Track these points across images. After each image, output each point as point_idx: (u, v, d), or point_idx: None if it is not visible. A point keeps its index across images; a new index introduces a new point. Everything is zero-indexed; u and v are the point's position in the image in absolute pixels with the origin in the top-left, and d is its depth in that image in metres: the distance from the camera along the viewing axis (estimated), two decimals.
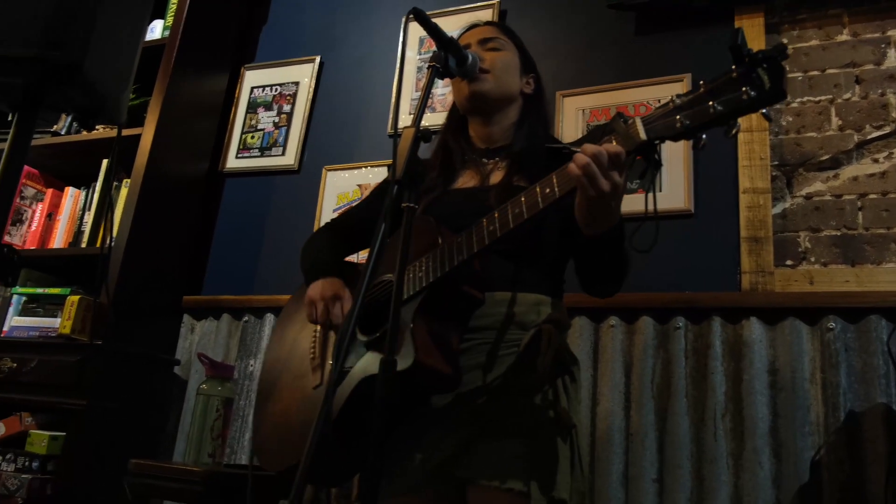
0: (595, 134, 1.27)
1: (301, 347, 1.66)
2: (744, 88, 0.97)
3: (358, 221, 1.77)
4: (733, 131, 1.01)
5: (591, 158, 1.10)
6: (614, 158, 1.09)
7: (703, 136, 1.04)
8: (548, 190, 1.19)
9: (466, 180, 1.56)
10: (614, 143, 1.11)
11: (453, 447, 1.32)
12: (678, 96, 1.05)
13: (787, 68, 2.18)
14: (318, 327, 1.62)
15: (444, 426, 1.35)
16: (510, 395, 1.34)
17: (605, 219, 1.19)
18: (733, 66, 1.00)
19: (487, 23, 1.70)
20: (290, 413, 1.57)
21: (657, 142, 1.07)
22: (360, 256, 2.28)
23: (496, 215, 1.26)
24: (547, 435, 1.31)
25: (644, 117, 1.08)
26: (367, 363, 1.37)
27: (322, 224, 1.86)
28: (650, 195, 1.14)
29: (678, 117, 1.04)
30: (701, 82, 1.03)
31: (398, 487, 1.36)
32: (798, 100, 2.14)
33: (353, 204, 1.85)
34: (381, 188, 1.78)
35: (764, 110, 0.98)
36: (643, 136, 1.08)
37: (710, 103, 1.00)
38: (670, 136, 1.06)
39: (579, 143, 1.40)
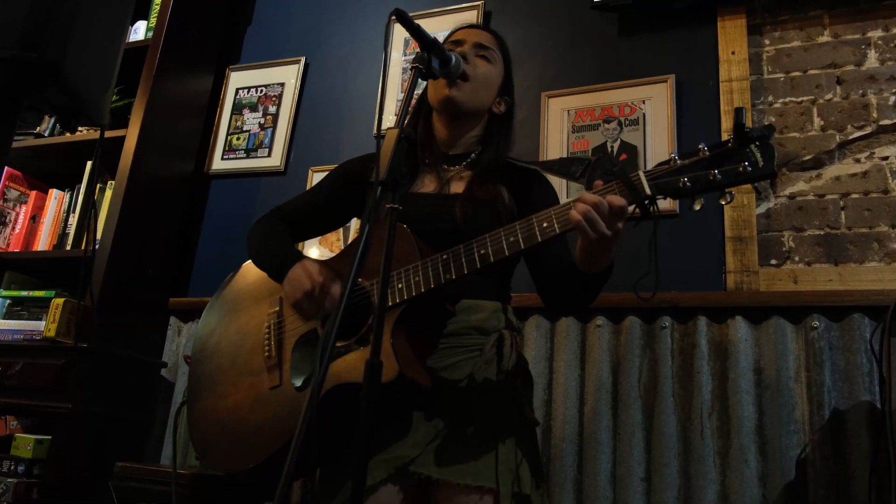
0: (572, 166, 1.29)
1: (248, 341, 1.61)
2: (743, 163, 1.08)
3: (312, 206, 1.72)
4: (728, 200, 1.11)
5: (592, 207, 1.15)
6: (617, 211, 1.16)
7: (701, 198, 1.13)
8: (545, 224, 1.23)
9: (427, 184, 1.57)
10: (618, 195, 1.17)
11: (420, 446, 1.35)
12: (678, 157, 1.14)
13: (770, 69, 2.20)
14: (269, 322, 1.59)
15: (411, 426, 1.37)
16: (476, 397, 1.39)
17: (603, 260, 1.25)
18: (730, 139, 1.10)
19: (488, 29, 1.70)
20: (241, 412, 1.53)
21: (658, 197, 1.15)
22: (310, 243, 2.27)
23: (488, 240, 1.29)
24: (511, 433, 1.37)
25: (648, 172, 1.16)
26: (339, 368, 1.36)
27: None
28: (653, 235, 1.21)
29: (683, 178, 1.13)
30: (700, 146, 1.12)
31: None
32: (780, 100, 2.16)
33: (309, 189, 1.79)
34: (337, 173, 1.73)
35: (756, 185, 1.13)
36: (648, 191, 1.15)
37: (712, 171, 1.10)
38: (672, 194, 1.15)
39: (551, 166, 1.41)
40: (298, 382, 1.46)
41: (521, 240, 1.26)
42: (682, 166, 1.13)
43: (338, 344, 1.40)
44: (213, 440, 1.56)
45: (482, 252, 1.29)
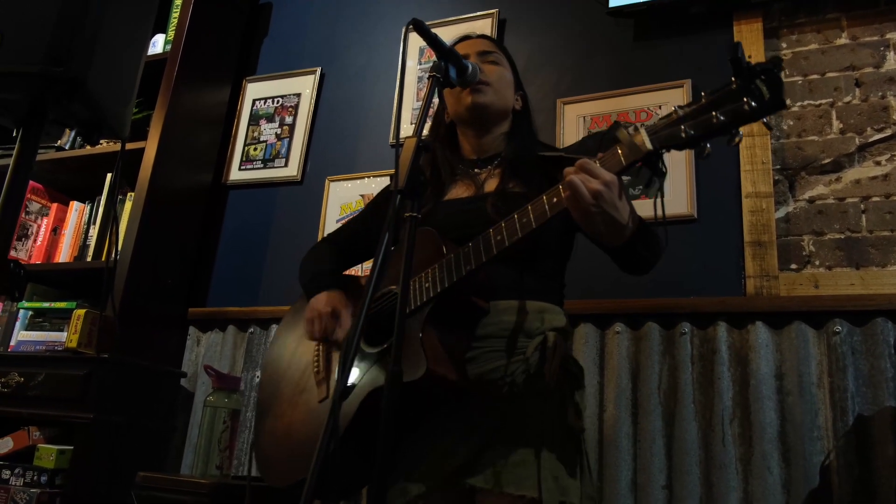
0: (588, 142, 1.28)
1: (303, 360, 1.66)
2: (745, 99, 1.01)
3: (356, 234, 1.78)
4: (736, 140, 1.04)
5: (579, 167, 1.13)
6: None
7: (708, 144, 1.06)
8: (555, 199, 1.21)
9: (459, 191, 1.58)
10: (608, 157, 1.13)
11: (463, 454, 1.33)
12: (680, 107, 1.08)
13: (787, 72, 2.18)
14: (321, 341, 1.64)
15: (454, 433, 1.36)
16: (519, 402, 1.36)
17: (612, 232, 1.19)
18: (733, 78, 1.03)
19: (482, 36, 1.71)
20: (295, 427, 1.56)
21: (662, 151, 1.09)
22: (365, 267, 2.28)
23: (503, 225, 1.27)
24: (556, 441, 1.32)
25: (648, 127, 1.10)
26: (374, 375, 1.38)
27: (323, 236, 1.86)
28: (658, 201, 1.15)
29: (682, 127, 1.06)
30: (702, 93, 1.06)
31: (408, 494, 1.36)
32: (798, 104, 2.15)
33: (353, 216, 1.85)
34: (378, 200, 1.79)
35: (764, 119, 1.01)
36: (649, 145, 1.09)
37: (713, 114, 1.03)
38: (675, 145, 1.08)
39: (571, 149, 1.41)
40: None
41: (532, 219, 1.23)
42: (684, 115, 1.07)
43: (371, 350, 1.42)
44: (273, 457, 1.59)
45: (498, 238, 1.27)
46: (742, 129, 1.04)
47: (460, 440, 1.34)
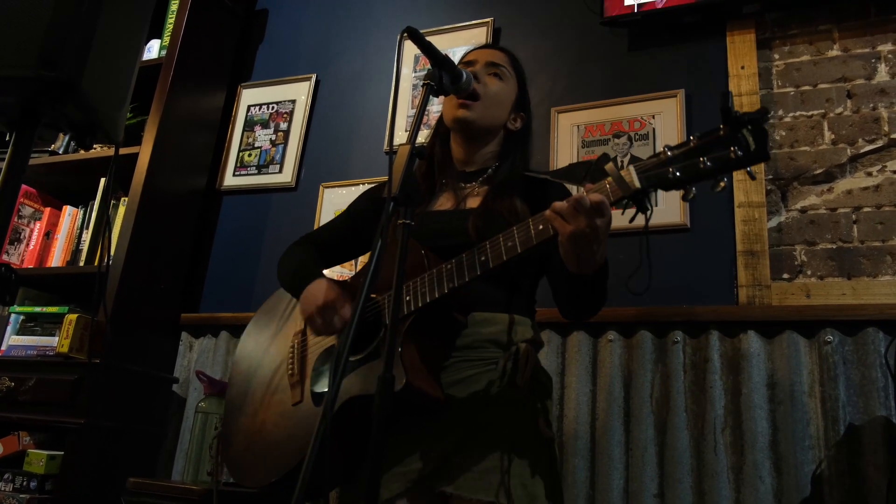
0: (576, 169, 1.29)
1: (275, 361, 1.65)
2: (732, 148, 1.03)
3: (336, 235, 1.76)
4: (720, 186, 1.06)
5: (572, 204, 1.14)
6: (597, 206, 1.13)
7: (693, 188, 1.09)
8: (541, 227, 1.22)
9: (443, 202, 1.59)
10: (598, 193, 1.15)
11: (434, 461, 1.34)
12: (669, 148, 1.10)
13: (779, 83, 2.20)
14: (294, 341, 1.63)
15: (425, 440, 1.37)
16: (490, 411, 1.38)
17: (588, 261, 1.21)
18: (721, 126, 1.05)
19: (500, 48, 1.72)
20: (267, 428, 1.56)
21: (650, 190, 1.12)
22: (338, 271, 2.28)
23: (488, 246, 1.29)
24: (526, 448, 1.36)
25: (637, 166, 1.13)
26: (352, 382, 1.38)
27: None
28: (643, 215, 1.17)
29: (671, 169, 1.09)
30: (691, 137, 1.09)
31: (379, 498, 1.35)
32: (791, 114, 2.16)
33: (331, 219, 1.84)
34: (359, 202, 1.76)
35: (748, 168, 1.04)
36: (637, 184, 1.12)
37: (701, 159, 1.06)
38: (663, 185, 1.11)
39: (558, 173, 1.42)
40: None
41: (518, 244, 1.24)
42: (673, 157, 1.09)
43: (351, 358, 1.42)
44: (242, 456, 1.59)
45: (482, 258, 1.28)
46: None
47: (431, 446, 1.36)
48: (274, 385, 1.61)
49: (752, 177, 1.08)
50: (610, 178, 1.15)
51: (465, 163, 1.63)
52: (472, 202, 1.54)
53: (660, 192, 2.18)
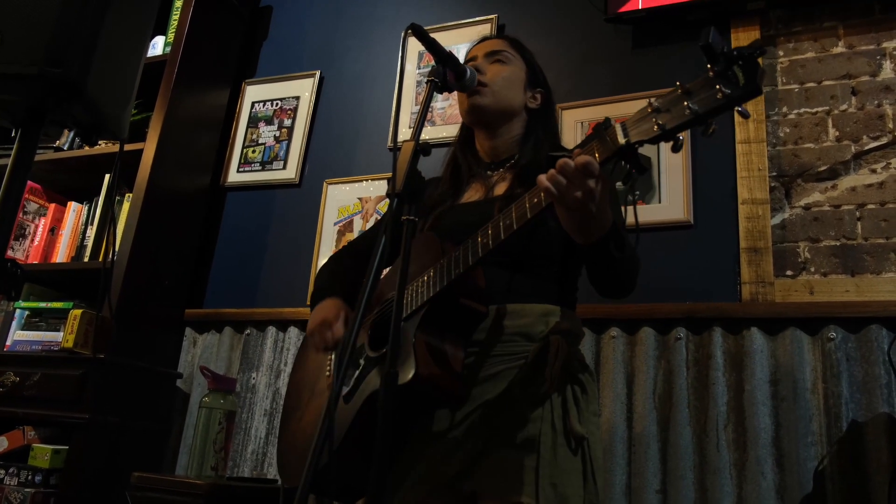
0: (583, 145, 1.28)
1: (320, 366, 1.68)
2: (717, 87, 0.95)
3: (369, 241, 1.79)
4: (710, 131, 0.98)
5: (558, 169, 1.11)
6: (582, 168, 1.09)
7: (680, 137, 1.02)
8: (535, 200, 1.19)
9: (472, 194, 1.58)
10: (584, 153, 1.10)
11: (461, 461, 1.31)
12: (654, 99, 1.04)
13: (784, 80, 2.19)
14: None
15: (452, 439, 1.34)
16: (518, 408, 1.32)
17: (590, 227, 1.19)
18: (709, 66, 0.97)
19: (497, 36, 1.71)
20: (307, 430, 1.58)
21: (636, 145, 1.06)
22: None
23: (489, 228, 1.26)
24: (556, 447, 1.29)
25: (623, 122, 1.08)
26: (373, 377, 1.38)
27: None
28: (632, 209, 1.15)
29: (654, 120, 1.03)
30: (678, 83, 1.02)
31: (406, 499, 1.35)
32: (795, 111, 2.16)
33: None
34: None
35: (740, 107, 0.96)
36: (622, 140, 1.07)
37: (686, 104, 0.99)
38: (648, 139, 1.04)
39: (582, 147, 1.41)
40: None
41: (514, 220, 1.21)
42: (657, 107, 1.02)
43: (373, 354, 1.43)
44: (287, 458, 1.62)
45: (483, 241, 1.26)
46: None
47: (458, 445, 1.33)
48: (317, 390, 1.63)
49: (745, 115, 0.97)
50: (596, 139, 1.10)
51: (492, 154, 1.61)
52: (500, 189, 1.52)
53: (664, 190, 2.18)
